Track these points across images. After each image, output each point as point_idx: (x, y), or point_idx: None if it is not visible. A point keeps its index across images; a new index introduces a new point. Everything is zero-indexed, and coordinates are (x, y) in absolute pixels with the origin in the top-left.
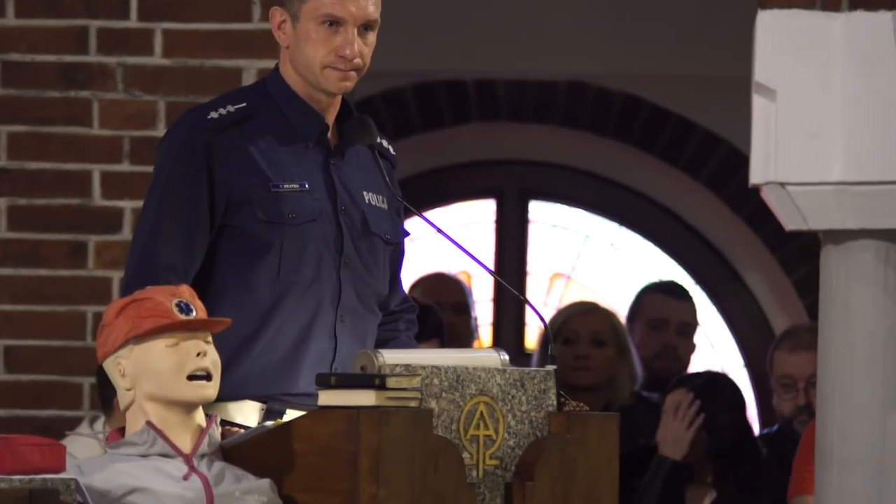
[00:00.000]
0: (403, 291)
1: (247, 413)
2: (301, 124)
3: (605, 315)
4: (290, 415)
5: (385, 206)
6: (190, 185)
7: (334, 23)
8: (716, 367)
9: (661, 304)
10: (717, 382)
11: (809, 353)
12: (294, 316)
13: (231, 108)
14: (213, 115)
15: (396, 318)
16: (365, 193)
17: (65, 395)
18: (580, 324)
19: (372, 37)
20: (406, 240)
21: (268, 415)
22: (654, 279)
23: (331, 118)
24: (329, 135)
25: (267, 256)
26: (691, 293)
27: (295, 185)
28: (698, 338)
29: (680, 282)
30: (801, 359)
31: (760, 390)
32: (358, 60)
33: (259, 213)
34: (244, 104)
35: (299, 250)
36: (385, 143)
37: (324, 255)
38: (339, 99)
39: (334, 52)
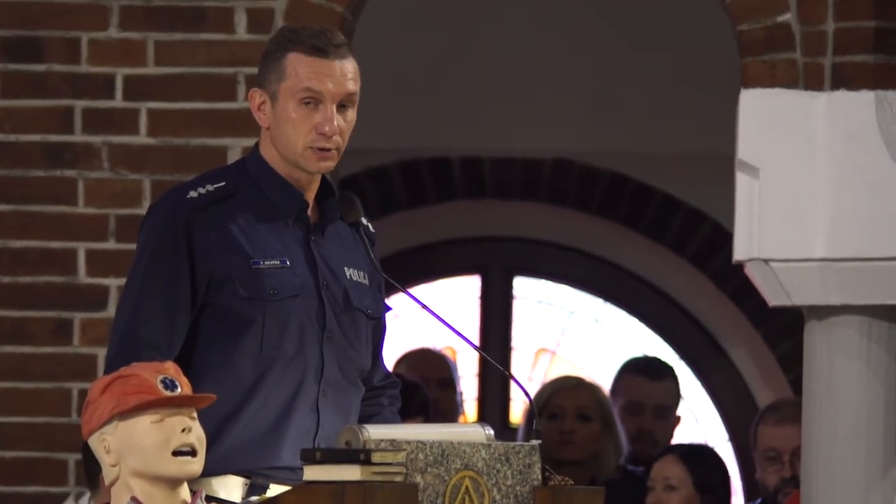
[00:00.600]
0: (385, 367)
1: (230, 488)
2: (281, 202)
3: (590, 390)
4: (274, 489)
5: (366, 281)
6: (171, 264)
7: (312, 100)
8: (700, 441)
9: (637, 386)
10: (703, 454)
11: (794, 426)
12: (277, 391)
13: (211, 187)
14: (193, 194)
15: (379, 393)
16: (346, 269)
17: (50, 471)
18: (565, 399)
19: (351, 114)
20: (391, 315)
21: (251, 490)
22: (635, 355)
23: (311, 195)
24: (309, 212)
25: (249, 332)
26: (672, 368)
27: (276, 262)
28: (683, 412)
29: (662, 357)
30: (786, 432)
31: (744, 464)
32: (337, 138)
33: (240, 290)
34: (224, 183)
35: (281, 326)
36: (364, 220)
37: (306, 330)
38: (318, 177)
39: (314, 130)
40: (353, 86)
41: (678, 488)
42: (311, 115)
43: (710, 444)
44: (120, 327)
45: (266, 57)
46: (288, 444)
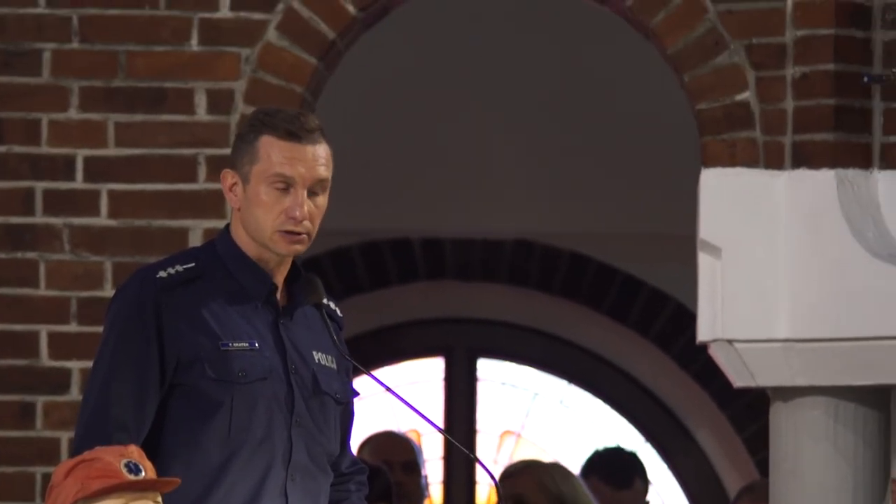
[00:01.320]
0: (353, 453)
1: None
2: (250, 284)
3: (532, 476)
4: None
5: (334, 366)
6: (140, 344)
7: (284, 184)
8: None
9: (605, 497)
10: None
11: None
12: (245, 474)
13: (180, 268)
14: (163, 274)
15: (347, 479)
16: (314, 353)
17: None
18: (507, 487)
19: (322, 199)
20: (355, 399)
21: None
22: (598, 449)
23: (280, 278)
24: (278, 295)
25: (217, 415)
26: (638, 463)
27: (244, 344)
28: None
29: (626, 448)
30: None
31: None
32: (307, 223)
33: (209, 371)
34: (193, 264)
35: (250, 409)
36: (332, 304)
37: (275, 414)
38: (288, 260)
39: (284, 214)
40: (324, 171)
41: None
42: (281, 199)
43: None
44: (88, 407)
45: (239, 139)
46: None
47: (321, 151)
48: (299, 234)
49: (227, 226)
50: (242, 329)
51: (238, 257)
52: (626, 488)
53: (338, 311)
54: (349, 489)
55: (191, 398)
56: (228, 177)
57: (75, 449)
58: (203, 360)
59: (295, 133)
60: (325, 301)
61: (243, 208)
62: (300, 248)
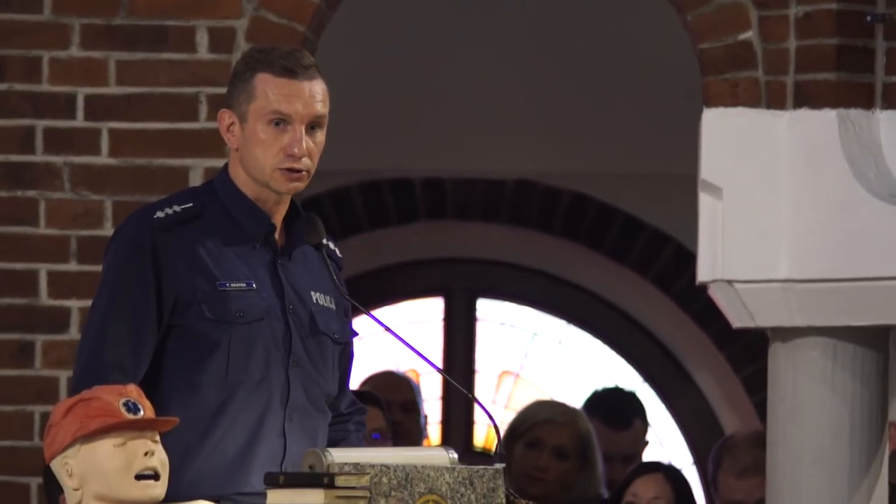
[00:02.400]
0: (351, 394)
1: None
2: (248, 224)
3: (574, 426)
4: None
5: (333, 306)
6: (138, 285)
7: (282, 122)
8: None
9: (604, 437)
10: (683, 478)
11: (756, 478)
12: (243, 415)
13: (178, 208)
14: (160, 214)
15: (346, 419)
16: (312, 293)
17: (12, 495)
18: (547, 433)
19: (320, 136)
20: (354, 339)
21: None
22: (598, 389)
23: (278, 219)
24: (277, 235)
25: (214, 356)
26: (637, 404)
27: (242, 284)
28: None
29: (626, 388)
30: (749, 484)
31: (708, 488)
32: (306, 160)
33: (206, 311)
34: (191, 204)
35: (247, 349)
36: (332, 245)
37: (272, 354)
38: (287, 199)
39: (283, 152)
40: (321, 108)
41: None
42: (280, 137)
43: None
44: (86, 348)
45: (235, 77)
46: (256, 470)
47: (318, 87)
48: (299, 171)
49: (226, 166)
50: (240, 269)
51: (236, 197)
52: (625, 429)
53: (337, 252)
54: (348, 429)
55: (188, 339)
56: (226, 117)
57: (73, 388)
58: (200, 300)
59: (291, 69)
60: (324, 241)
61: (241, 148)
62: (300, 185)
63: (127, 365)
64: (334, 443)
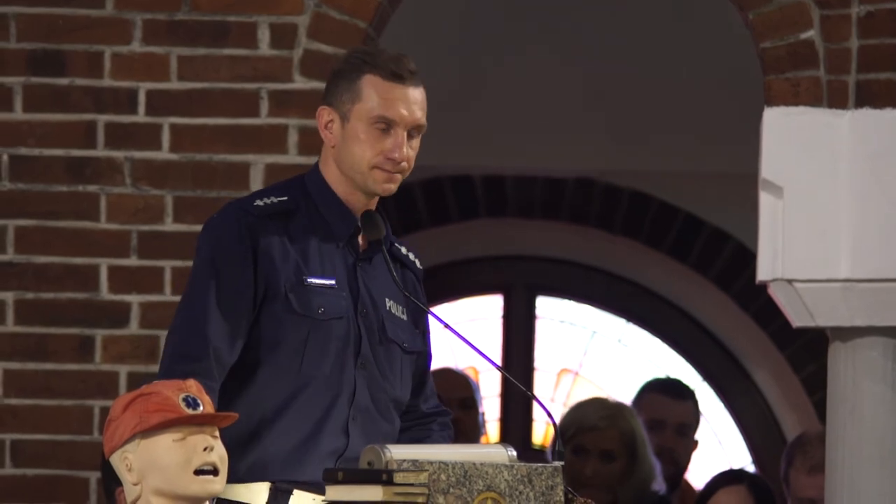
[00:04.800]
0: (437, 398)
1: (255, 492)
2: (335, 223)
3: (619, 428)
4: (297, 496)
5: (405, 316)
6: (239, 270)
7: (385, 125)
8: (724, 465)
9: (658, 404)
10: (766, 487)
11: None
12: (309, 408)
13: (275, 199)
14: (259, 202)
15: (430, 420)
16: (387, 300)
17: (71, 489)
18: (591, 440)
19: (417, 142)
20: (428, 354)
21: (275, 494)
22: (657, 376)
23: None
24: (360, 238)
25: (292, 349)
26: (694, 390)
27: (325, 281)
28: (706, 435)
29: (684, 379)
30: (821, 480)
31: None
32: (405, 164)
33: (292, 303)
34: (286, 197)
35: (322, 346)
36: (412, 256)
37: (343, 354)
38: (375, 202)
39: (383, 154)
40: (423, 116)
41: None
42: (381, 139)
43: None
44: (185, 326)
45: (338, 76)
46: (314, 462)
47: (421, 95)
48: (395, 173)
49: (317, 163)
50: (324, 266)
51: (326, 195)
52: (683, 400)
53: (417, 263)
54: (432, 429)
55: (270, 329)
56: (325, 113)
57: (166, 363)
58: (287, 291)
59: (399, 74)
60: (404, 252)
61: (339, 146)
62: (393, 186)
63: (223, 347)
64: (417, 441)
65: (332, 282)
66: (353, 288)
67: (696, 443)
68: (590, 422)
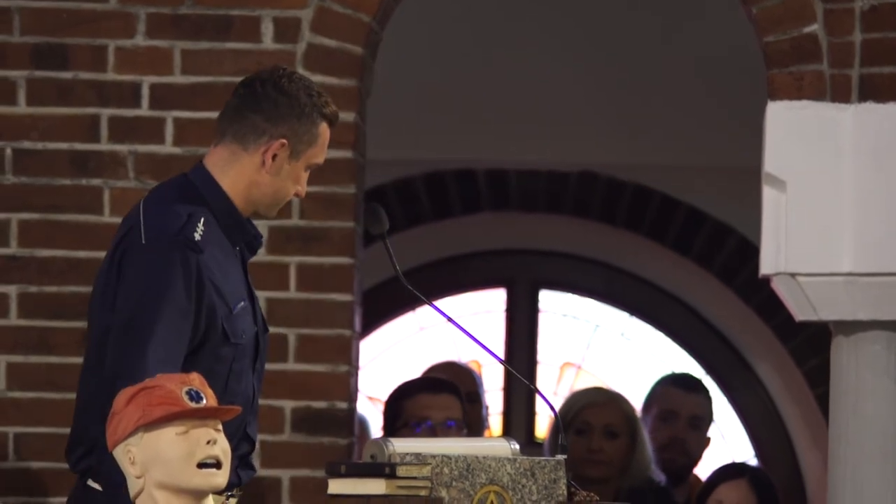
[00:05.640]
0: None
1: None
2: (232, 235)
3: (619, 405)
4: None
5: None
6: (186, 313)
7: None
8: (727, 459)
9: (672, 396)
10: (768, 481)
11: None
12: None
13: (201, 227)
14: (197, 237)
15: None
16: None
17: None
18: (594, 415)
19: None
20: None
21: None
22: (668, 370)
23: None
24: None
25: (219, 374)
26: (708, 389)
27: (243, 304)
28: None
29: (695, 374)
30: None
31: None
32: None
33: (225, 333)
34: (203, 218)
35: (241, 365)
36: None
37: (251, 365)
38: None
39: (296, 193)
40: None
41: None
42: (303, 179)
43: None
44: (133, 365)
45: (301, 115)
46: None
47: None
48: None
49: (207, 169)
50: (238, 287)
51: (230, 210)
52: (696, 392)
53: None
54: None
55: (203, 358)
56: (282, 148)
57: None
58: (220, 324)
59: (333, 123)
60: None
61: (272, 174)
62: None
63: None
64: None
65: (244, 301)
66: (251, 297)
67: (708, 439)
68: (589, 399)
